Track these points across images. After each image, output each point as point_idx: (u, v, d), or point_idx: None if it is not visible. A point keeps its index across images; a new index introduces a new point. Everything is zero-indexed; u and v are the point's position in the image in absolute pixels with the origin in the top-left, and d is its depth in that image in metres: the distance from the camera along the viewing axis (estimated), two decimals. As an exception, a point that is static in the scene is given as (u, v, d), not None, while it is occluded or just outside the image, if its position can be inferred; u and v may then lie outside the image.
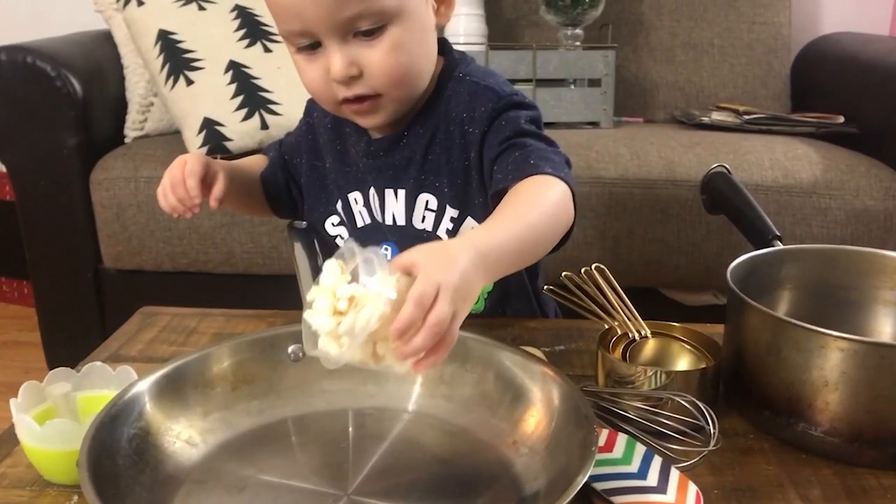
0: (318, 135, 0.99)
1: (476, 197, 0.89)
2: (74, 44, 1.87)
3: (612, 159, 1.63)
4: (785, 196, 1.57)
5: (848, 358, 0.64)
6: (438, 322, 0.55)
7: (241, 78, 1.70)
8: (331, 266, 0.59)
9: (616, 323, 0.78)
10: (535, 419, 0.65)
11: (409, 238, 0.90)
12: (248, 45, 1.77)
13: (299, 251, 0.91)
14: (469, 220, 0.89)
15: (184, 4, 1.81)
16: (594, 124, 1.90)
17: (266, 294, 1.72)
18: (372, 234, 0.93)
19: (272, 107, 1.68)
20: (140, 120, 1.87)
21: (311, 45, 0.81)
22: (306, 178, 0.99)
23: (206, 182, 0.88)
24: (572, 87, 1.91)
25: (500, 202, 0.75)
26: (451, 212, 0.89)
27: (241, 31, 1.79)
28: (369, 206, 0.94)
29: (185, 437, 0.65)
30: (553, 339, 0.89)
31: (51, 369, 0.68)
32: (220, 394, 0.69)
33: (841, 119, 1.83)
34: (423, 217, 0.91)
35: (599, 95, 1.89)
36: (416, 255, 0.59)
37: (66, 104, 1.68)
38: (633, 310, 0.79)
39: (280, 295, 1.66)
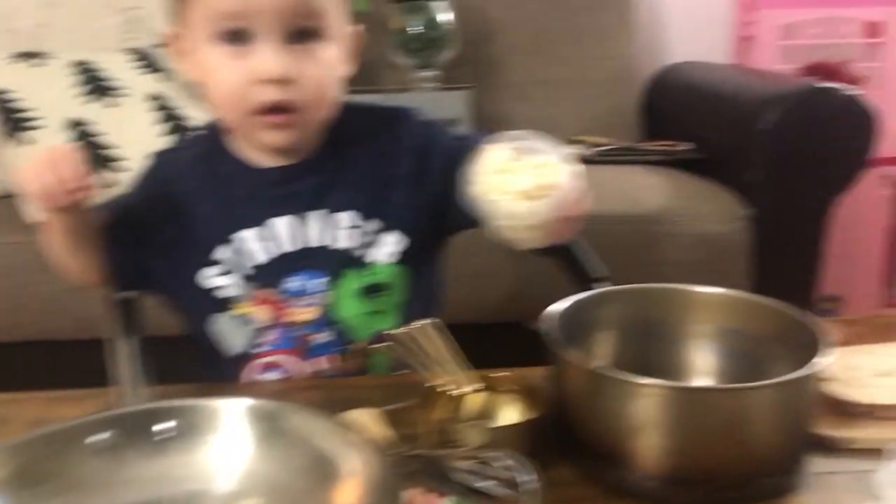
0: (178, 187, 0.93)
1: (401, 209, 0.92)
2: None
3: (469, 198, 1.65)
4: (634, 225, 1.62)
5: (655, 403, 0.65)
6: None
7: (81, 136, 1.64)
8: (496, 147, 0.75)
9: (445, 379, 0.77)
10: (348, 493, 0.62)
11: (324, 259, 0.91)
12: (89, 101, 1.70)
13: (118, 324, 0.87)
14: (395, 233, 0.91)
15: (15, 61, 1.73)
16: (454, 163, 1.92)
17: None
18: (274, 269, 0.91)
19: (114, 164, 1.62)
20: (-23, 184, 1.77)
21: (239, 38, 0.79)
22: (162, 238, 0.93)
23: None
24: (430, 127, 1.92)
25: None
26: (369, 225, 0.91)
27: (81, 88, 1.72)
28: (271, 238, 0.91)
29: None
30: (393, 397, 0.87)
31: None
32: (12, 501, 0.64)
33: (689, 146, 1.90)
34: (342, 236, 0.91)
35: (457, 135, 1.90)
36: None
37: None
38: (465, 364, 0.78)
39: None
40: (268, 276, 0.91)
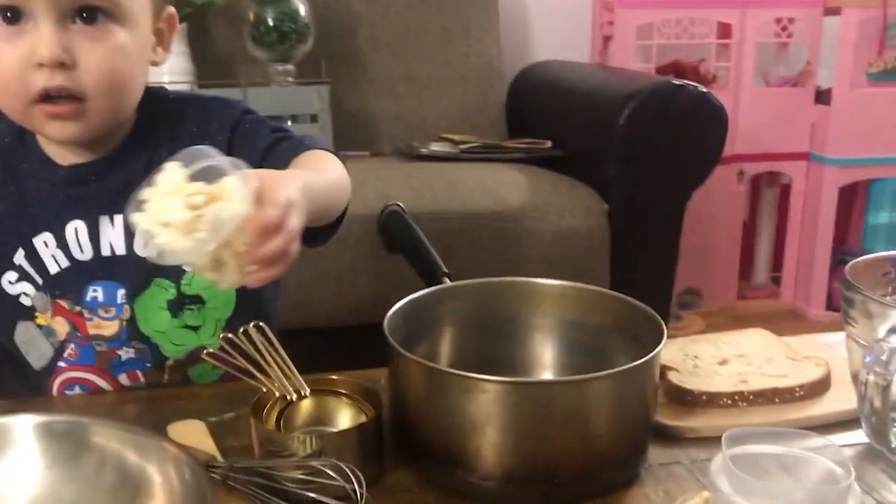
0: None
1: None
2: None
3: (328, 197, 1.60)
4: (497, 222, 1.61)
5: (492, 399, 0.62)
6: (293, 229, 0.59)
7: None
8: (172, 166, 0.59)
9: (274, 385, 0.72)
10: (159, 514, 0.57)
11: (127, 268, 0.82)
12: None
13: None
14: None
15: None
16: (315, 161, 1.86)
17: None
18: (72, 278, 0.82)
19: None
20: None
21: (13, 16, 0.71)
22: None
23: None
24: (288, 123, 1.86)
25: None
26: None
27: None
28: (67, 244, 0.82)
29: None
30: (224, 406, 0.81)
31: None
32: None
33: (549, 144, 1.92)
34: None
35: (317, 131, 1.85)
36: (255, 172, 0.61)
37: None
38: (293, 368, 0.73)
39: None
40: (66, 285, 0.83)
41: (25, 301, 0.84)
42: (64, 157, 0.83)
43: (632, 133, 1.64)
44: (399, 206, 0.97)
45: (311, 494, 0.62)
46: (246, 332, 0.74)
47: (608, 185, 1.67)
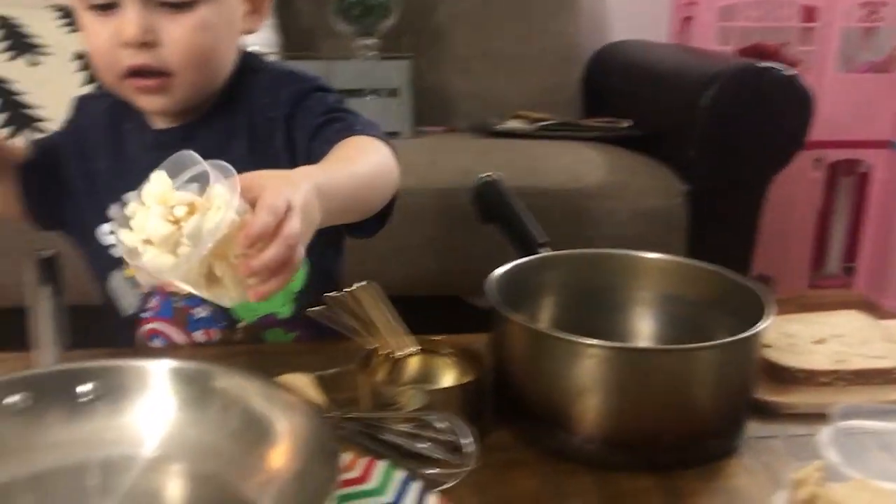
0: (88, 136, 0.90)
1: None
2: None
3: (409, 169, 1.60)
4: (574, 199, 1.61)
5: (599, 364, 0.64)
6: (291, 235, 0.54)
7: (4, 94, 1.56)
8: (158, 175, 0.55)
9: (381, 342, 0.75)
10: (283, 455, 0.60)
11: None
12: (12, 59, 1.62)
13: (39, 283, 0.82)
14: None
15: (-68, 14, 1.64)
16: (394, 134, 1.89)
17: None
18: None
19: (40, 124, 1.54)
20: None
21: (108, 7, 0.75)
22: (75, 183, 0.91)
23: None
24: (370, 97, 1.89)
25: None
26: None
27: (3, 44, 1.64)
28: None
29: None
30: (326, 363, 0.84)
31: None
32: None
33: (627, 123, 1.91)
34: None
35: (397, 106, 1.87)
36: (257, 176, 0.57)
37: None
38: (401, 327, 0.76)
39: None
40: None
41: (115, 253, 0.88)
42: (157, 122, 0.87)
43: (715, 114, 1.62)
44: (492, 176, 0.98)
45: (422, 445, 0.64)
46: (359, 289, 0.77)
47: (688, 166, 1.66)
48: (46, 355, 0.74)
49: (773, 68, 1.66)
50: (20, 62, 1.61)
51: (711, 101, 1.62)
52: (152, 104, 0.82)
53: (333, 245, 0.97)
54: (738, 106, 1.62)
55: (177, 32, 0.76)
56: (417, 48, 2.03)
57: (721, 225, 1.69)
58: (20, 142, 1.51)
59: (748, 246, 1.71)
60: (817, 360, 0.78)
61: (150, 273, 0.54)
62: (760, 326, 0.66)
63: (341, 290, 0.81)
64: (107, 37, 0.76)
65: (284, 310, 0.91)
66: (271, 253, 0.53)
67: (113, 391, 0.65)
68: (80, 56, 1.66)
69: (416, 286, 1.62)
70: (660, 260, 0.80)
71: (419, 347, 0.75)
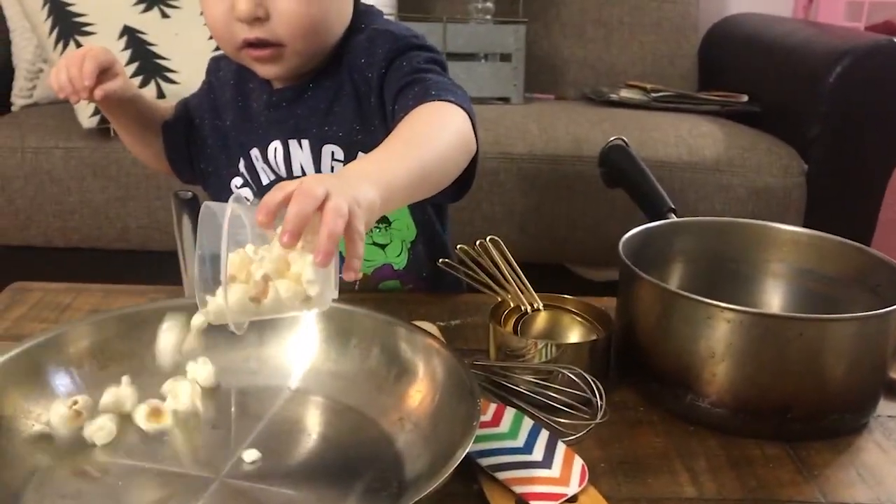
0: (219, 94, 0.96)
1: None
2: (-46, 5, 1.75)
3: (520, 135, 1.62)
4: (689, 173, 1.59)
5: (734, 329, 0.64)
6: (336, 208, 0.51)
7: (136, 44, 1.62)
8: (238, 252, 0.55)
9: (508, 296, 0.76)
10: (421, 394, 0.62)
11: None
12: (145, 10, 1.68)
13: (185, 222, 0.86)
14: None
15: (73, -34, 1.71)
16: (505, 100, 1.89)
17: (163, 271, 1.66)
18: None
19: (169, 74, 1.61)
20: (28, 87, 1.77)
21: None
22: (209, 140, 0.96)
23: (106, 75, 0.83)
24: (483, 61, 1.89)
25: None
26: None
27: (138, -4, 1.70)
28: (268, 161, 0.90)
29: (44, 419, 0.60)
30: (448, 314, 0.86)
31: None
32: (87, 373, 0.64)
33: (745, 98, 1.86)
34: (332, 167, 0.88)
35: (510, 71, 1.87)
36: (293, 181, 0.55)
37: (-57, 68, 1.58)
38: (527, 283, 0.78)
39: (176, 270, 1.60)
40: None
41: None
42: (276, 82, 0.90)
43: (842, 92, 1.56)
44: (623, 140, 0.98)
45: (552, 393, 0.66)
46: (486, 244, 0.79)
47: (809, 144, 1.61)
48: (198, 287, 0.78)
49: (905, 45, 1.59)
50: (152, 13, 1.68)
51: (839, 77, 1.56)
52: (267, 71, 0.86)
53: (433, 204, 0.98)
54: (868, 84, 1.56)
55: (284, 5, 0.79)
56: (531, 13, 2.01)
57: (841, 207, 1.64)
58: (151, 90, 1.58)
59: (868, 230, 1.65)
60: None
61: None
62: (902, 303, 0.65)
63: (454, 247, 0.83)
64: (223, 11, 0.80)
65: (399, 260, 0.94)
66: (292, 208, 0.51)
67: (260, 325, 0.68)
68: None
69: (522, 252, 1.61)
70: (795, 232, 0.79)
71: (544, 304, 0.77)
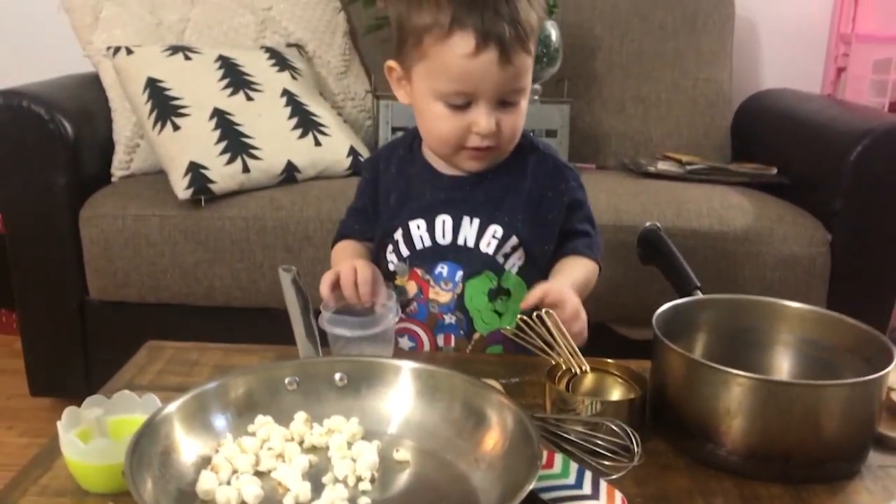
0: (379, 183, 1.18)
1: (540, 241, 1.12)
2: (64, 87, 1.98)
3: (566, 205, 1.79)
4: (720, 242, 1.74)
5: (745, 392, 0.79)
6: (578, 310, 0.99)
7: (225, 124, 1.83)
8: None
9: (561, 360, 0.92)
10: (493, 440, 0.78)
11: (470, 257, 1.11)
12: (232, 94, 1.90)
13: (289, 292, 1.04)
14: (524, 255, 1.13)
15: (171, 54, 1.94)
16: (551, 171, 2.06)
17: (243, 325, 1.84)
18: (429, 255, 1.12)
19: (253, 151, 1.81)
20: (126, 160, 1.99)
21: (464, 105, 1.01)
22: (374, 212, 1.18)
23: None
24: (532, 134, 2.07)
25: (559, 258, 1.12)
26: (512, 241, 1.10)
27: (225, 81, 1.92)
28: (434, 230, 1.11)
29: (203, 454, 0.77)
30: (509, 373, 1.02)
31: (33, 396, 0.79)
32: (234, 418, 0.81)
33: (774, 170, 2.01)
34: (489, 243, 1.10)
35: (556, 145, 2.05)
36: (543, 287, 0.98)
37: (58, 145, 1.79)
38: (576, 348, 0.94)
39: (255, 326, 1.78)
40: (424, 259, 1.12)
41: (391, 267, 1.14)
42: (445, 169, 1.13)
43: (863, 170, 1.71)
44: (657, 225, 1.15)
45: (598, 442, 0.82)
46: (539, 316, 0.95)
47: (833, 216, 1.76)
48: (303, 348, 0.95)
49: (923, 127, 1.73)
50: (238, 97, 1.89)
51: (859, 156, 1.71)
52: (478, 165, 1.09)
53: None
54: (886, 163, 1.71)
55: (509, 122, 1.04)
56: (575, 92, 2.20)
57: (862, 276, 1.77)
58: (236, 169, 1.78)
59: (889, 298, 1.78)
60: (939, 405, 0.90)
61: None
62: (886, 371, 0.80)
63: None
64: (460, 125, 1.03)
65: (510, 326, 1.13)
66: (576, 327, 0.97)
67: (360, 380, 0.85)
68: (286, 93, 1.93)
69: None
70: (801, 308, 0.94)
71: (591, 367, 0.93)
